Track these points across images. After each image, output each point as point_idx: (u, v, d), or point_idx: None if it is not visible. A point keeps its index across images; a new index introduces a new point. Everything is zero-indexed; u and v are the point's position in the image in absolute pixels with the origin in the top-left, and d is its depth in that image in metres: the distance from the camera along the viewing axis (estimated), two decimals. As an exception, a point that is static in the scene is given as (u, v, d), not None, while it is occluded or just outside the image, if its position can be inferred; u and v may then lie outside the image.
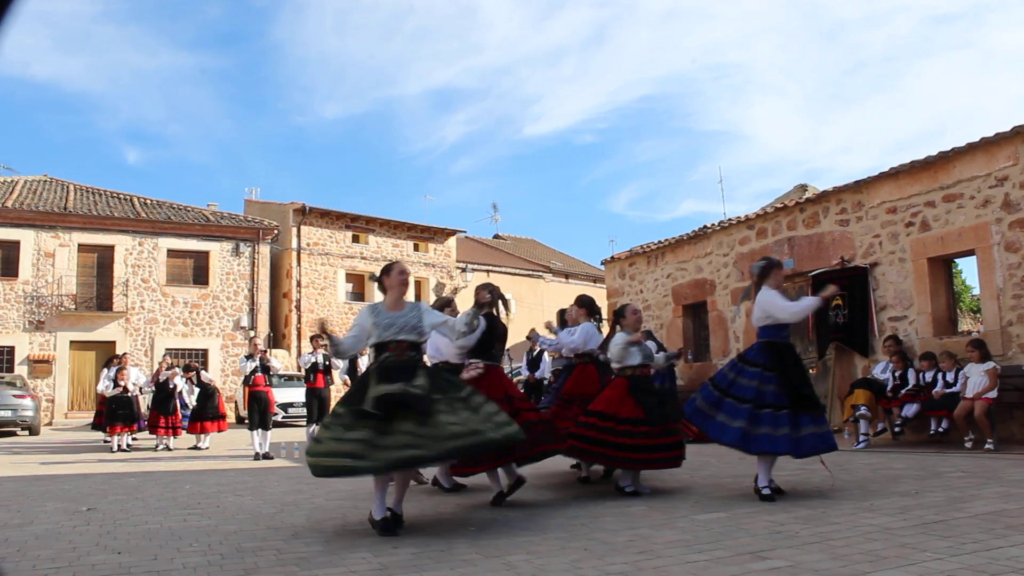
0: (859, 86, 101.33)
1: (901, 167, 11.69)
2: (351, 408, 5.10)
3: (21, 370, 24.39)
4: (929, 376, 10.49)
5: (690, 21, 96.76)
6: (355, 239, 31.11)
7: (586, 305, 7.92)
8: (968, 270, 36.61)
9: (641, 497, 6.45)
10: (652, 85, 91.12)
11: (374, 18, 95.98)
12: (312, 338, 13.15)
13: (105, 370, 15.97)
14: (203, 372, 15.36)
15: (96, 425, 15.79)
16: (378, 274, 5.64)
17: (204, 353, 26.96)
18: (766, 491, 5.94)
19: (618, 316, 7.21)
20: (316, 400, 12.63)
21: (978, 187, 10.73)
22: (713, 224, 15.55)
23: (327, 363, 12.75)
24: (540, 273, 35.91)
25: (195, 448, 14.34)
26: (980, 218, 10.68)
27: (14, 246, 25.21)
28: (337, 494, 7.37)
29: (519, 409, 6.32)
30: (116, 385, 14.47)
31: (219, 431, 14.96)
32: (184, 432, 14.86)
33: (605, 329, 8.51)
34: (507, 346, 7.75)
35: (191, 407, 15.05)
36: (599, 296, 21.31)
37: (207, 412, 14.63)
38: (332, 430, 5.13)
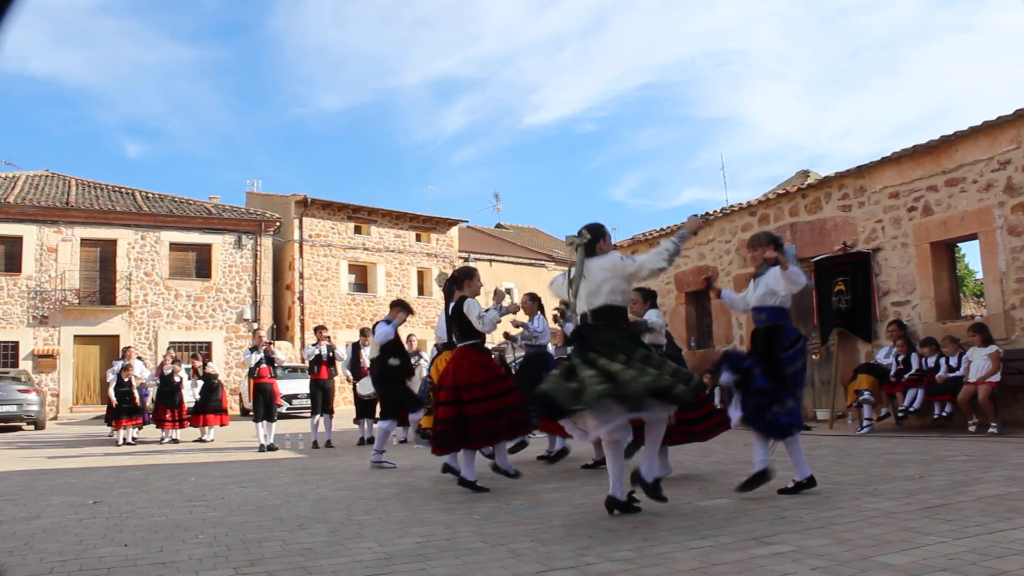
0: (859, 71, 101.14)
1: (903, 152, 11.66)
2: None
3: (26, 365, 24.45)
4: (932, 361, 10.49)
5: (689, 8, 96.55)
6: (357, 230, 31.11)
7: None
8: (971, 254, 36.45)
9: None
10: (652, 73, 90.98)
11: (372, 8, 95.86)
12: (316, 329, 13.16)
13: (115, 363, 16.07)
14: (210, 364, 15.41)
15: (108, 419, 15.89)
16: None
17: (208, 346, 27.01)
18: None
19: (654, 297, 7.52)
20: (320, 391, 12.66)
21: (980, 171, 10.69)
22: (715, 211, 15.52)
23: (331, 355, 12.78)
24: (542, 262, 35.91)
25: (200, 441, 14.41)
26: (983, 202, 10.65)
27: (17, 241, 25.24)
28: (342, 485, 7.39)
29: (499, 392, 6.44)
30: (121, 381, 14.55)
31: (221, 424, 15.02)
32: (188, 424, 14.94)
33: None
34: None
35: (195, 399, 15.10)
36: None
37: (210, 405, 14.70)
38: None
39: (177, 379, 14.83)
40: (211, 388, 14.85)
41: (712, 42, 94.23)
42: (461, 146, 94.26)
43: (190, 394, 15.45)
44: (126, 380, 14.58)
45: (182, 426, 14.73)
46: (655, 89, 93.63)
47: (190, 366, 15.92)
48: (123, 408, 14.37)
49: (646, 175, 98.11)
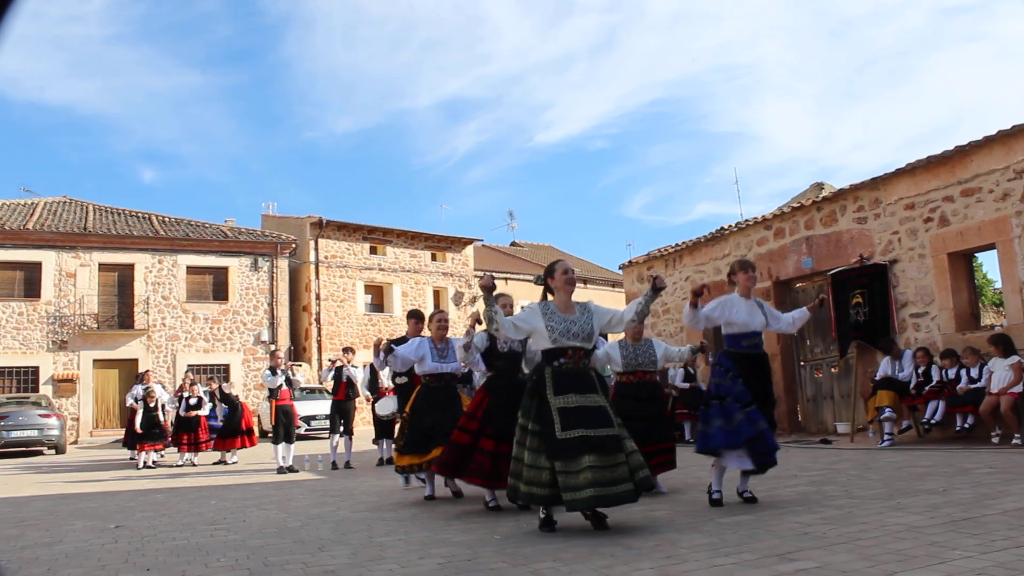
0: (870, 82, 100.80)
1: (918, 162, 11.62)
2: (538, 430, 5.07)
3: (46, 390, 24.61)
4: (952, 373, 10.42)
5: (698, 24, 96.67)
6: (373, 251, 31.19)
7: None
8: (989, 264, 36.22)
9: (665, 500, 6.44)
10: (662, 89, 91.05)
11: (382, 31, 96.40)
12: (344, 351, 13.18)
13: (133, 388, 16.15)
14: (224, 384, 15.43)
15: (127, 443, 15.95)
16: (542, 275, 5.45)
17: (226, 368, 27.09)
18: (716, 495, 5.91)
19: None
20: (340, 412, 12.69)
21: (996, 180, 10.65)
22: (730, 225, 15.50)
23: (348, 376, 12.79)
24: (558, 279, 35.87)
25: (221, 463, 14.43)
26: (999, 211, 10.59)
27: (36, 267, 25.45)
28: (363, 506, 7.39)
29: None
30: (147, 407, 14.64)
31: (243, 447, 14.96)
32: (212, 448, 14.97)
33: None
34: None
35: (220, 421, 15.10)
36: (619, 300, 21.23)
37: (230, 428, 14.71)
38: (527, 454, 5.13)
39: (194, 401, 14.86)
40: (235, 410, 14.84)
41: (721, 57, 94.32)
42: (473, 166, 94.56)
43: (212, 415, 15.48)
44: (152, 405, 14.68)
45: (200, 449, 14.74)
46: (665, 105, 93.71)
47: (208, 388, 15.95)
48: (149, 433, 14.46)
49: (659, 191, 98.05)
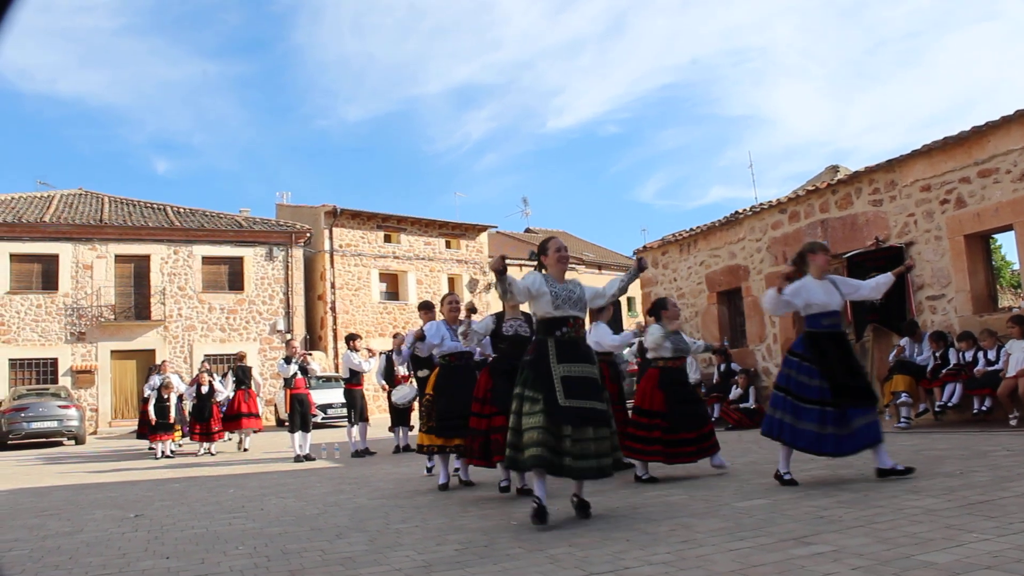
0: (882, 64, 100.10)
1: (934, 144, 11.52)
2: (540, 398, 5.05)
3: (65, 381, 24.82)
4: (969, 355, 10.35)
5: (708, 6, 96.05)
6: (387, 239, 31.24)
7: None
8: (1007, 245, 35.96)
9: (680, 484, 6.44)
10: (673, 73, 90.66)
11: (391, 18, 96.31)
12: (347, 339, 13.20)
13: (150, 379, 16.26)
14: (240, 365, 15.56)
15: (140, 434, 16.07)
16: (535, 252, 5.61)
17: (242, 358, 27.16)
18: (787, 476, 5.99)
19: (659, 308, 7.34)
20: (362, 400, 12.76)
21: (1014, 161, 10.54)
22: (745, 209, 15.43)
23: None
24: (573, 265, 35.86)
25: (240, 448, 14.62)
26: (1017, 192, 10.49)
27: (53, 259, 25.64)
28: (380, 494, 7.43)
29: None
30: (161, 397, 14.74)
31: (255, 430, 15.11)
32: (226, 434, 15.13)
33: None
34: None
35: (230, 396, 15.20)
36: (632, 286, 21.19)
37: (234, 410, 14.87)
38: (527, 420, 5.07)
39: (205, 390, 14.95)
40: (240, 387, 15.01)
41: (732, 40, 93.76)
42: (486, 152, 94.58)
43: (224, 395, 15.54)
44: (166, 397, 14.78)
45: (213, 439, 14.81)
46: (676, 89, 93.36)
47: (221, 376, 16.10)
48: (161, 423, 14.57)
49: (672, 175, 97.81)
